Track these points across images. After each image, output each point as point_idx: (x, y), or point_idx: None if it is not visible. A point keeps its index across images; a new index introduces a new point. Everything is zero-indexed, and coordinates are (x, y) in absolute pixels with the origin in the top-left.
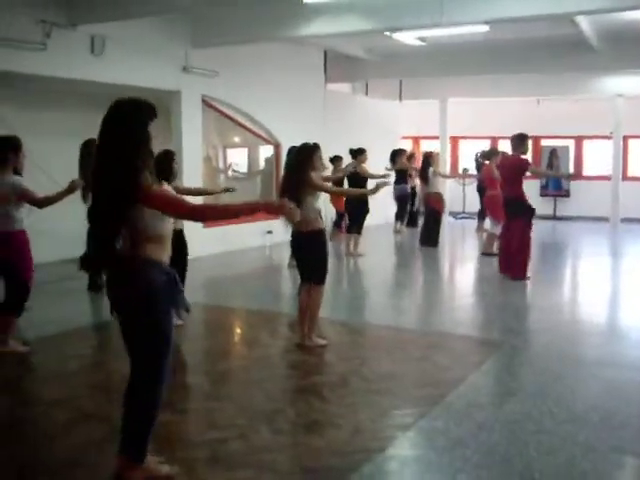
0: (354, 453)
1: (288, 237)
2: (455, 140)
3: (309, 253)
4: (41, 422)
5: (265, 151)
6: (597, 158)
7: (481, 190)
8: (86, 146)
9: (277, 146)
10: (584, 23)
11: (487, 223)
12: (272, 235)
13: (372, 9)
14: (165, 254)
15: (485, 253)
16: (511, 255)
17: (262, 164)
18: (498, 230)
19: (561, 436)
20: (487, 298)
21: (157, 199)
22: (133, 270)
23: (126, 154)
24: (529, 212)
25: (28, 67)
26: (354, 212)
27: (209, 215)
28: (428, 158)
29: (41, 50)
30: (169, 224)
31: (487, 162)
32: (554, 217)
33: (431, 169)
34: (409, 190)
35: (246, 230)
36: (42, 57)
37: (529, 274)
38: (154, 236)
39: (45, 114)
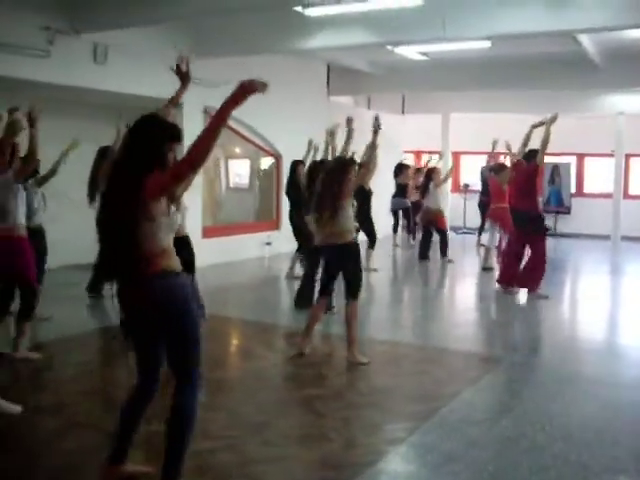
0: (345, 467)
1: (286, 248)
2: (457, 155)
3: (346, 266)
4: (34, 429)
5: (267, 163)
6: (599, 176)
7: (482, 205)
8: (100, 153)
9: (278, 158)
10: (586, 41)
11: (484, 237)
12: (271, 246)
13: (374, 23)
14: (176, 263)
15: (485, 268)
16: (527, 269)
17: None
18: (496, 242)
19: (553, 454)
20: (487, 314)
21: (159, 177)
22: (153, 280)
23: (133, 168)
24: (545, 226)
25: (30, 73)
26: (366, 227)
27: (199, 150)
28: (430, 173)
29: (44, 57)
30: (169, 237)
31: (495, 176)
32: (555, 234)
33: (432, 184)
34: (408, 204)
35: (245, 241)
36: (44, 64)
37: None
38: (159, 250)
39: (46, 122)
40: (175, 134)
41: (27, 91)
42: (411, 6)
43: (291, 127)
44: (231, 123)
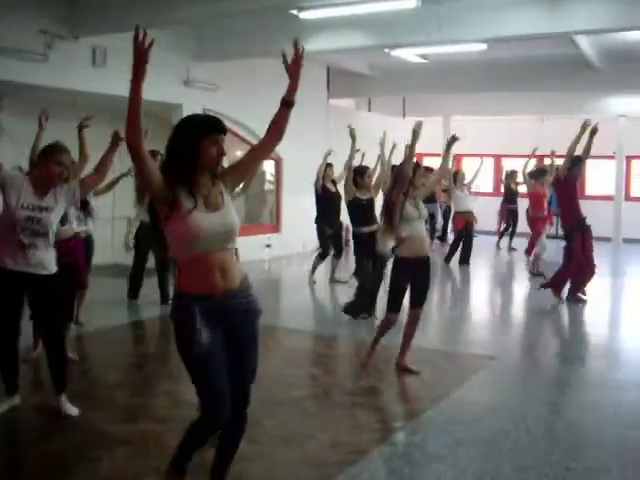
0: (328, 466)
1: (285, 251)
2: (458, 158)
3: (427, 276)
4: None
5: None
6: (600, 178)
7: (511, 212)
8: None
9: (278, 161)
10: (584, 42)
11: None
12: (271, 249)
13: (370, 25)
14: (196, 285)
15: (534, 273)
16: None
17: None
18: (539, 249)
19: (536, 454)
20: (493, 316)
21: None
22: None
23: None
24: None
25: (29, 77)
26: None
27: (128, 124)
28: (455, 176)
29: (42, 61)
30: (194, 248)
31: (534, 182)
32: (556, 236)
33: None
34: (438, 208)
35: (245, 243)
36: (43, 68)
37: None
38: (182, 262)
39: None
40: (209, 127)
41: (25, 95)
42: (406, 8)
43: (291, 130)
44: (230, 126)
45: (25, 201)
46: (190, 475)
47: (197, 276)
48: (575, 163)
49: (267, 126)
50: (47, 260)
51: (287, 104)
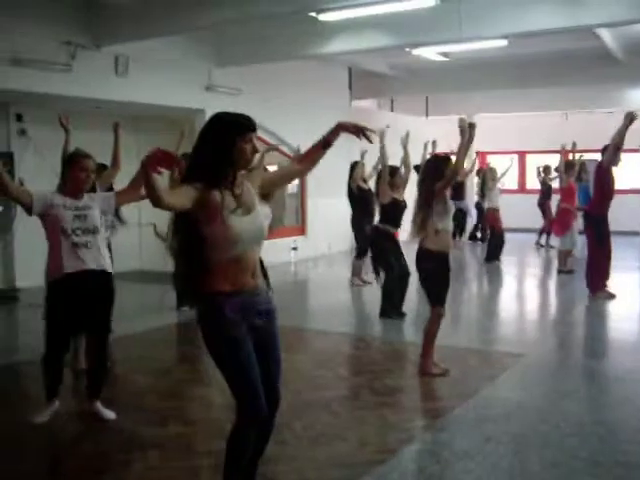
0: (356, 465)
1: (311, 253)
2: (483, 155)
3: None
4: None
5: None
6: (626, 171)
7: (543, 205)
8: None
9: None
10: (606, 35)
11: (556, 239)
12: (297, 251)
13: (390, 25)
14: (231, 283)
15: (562, 271)
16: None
17: None
18: (569, 246)
19: (565, 450)
20: (528, 313)
21: None
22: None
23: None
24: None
25: (53, 87)
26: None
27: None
28: (486, 172)
29: (66, 71)
30: (234, 250)
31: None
32: (582, 231)
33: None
34: (467, 205)
35: (271, 246)
36: (67, 78)
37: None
38: (219, 263)
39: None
40: (243, 125)
41: (50, 105)
42: (426, 7)
43: (315, 133)
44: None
45: (66, 203)
46: None
47: (231, 276)
48: (615, 152)
49: (304, 152)
50: (104, 258)
51: (326, 146)
